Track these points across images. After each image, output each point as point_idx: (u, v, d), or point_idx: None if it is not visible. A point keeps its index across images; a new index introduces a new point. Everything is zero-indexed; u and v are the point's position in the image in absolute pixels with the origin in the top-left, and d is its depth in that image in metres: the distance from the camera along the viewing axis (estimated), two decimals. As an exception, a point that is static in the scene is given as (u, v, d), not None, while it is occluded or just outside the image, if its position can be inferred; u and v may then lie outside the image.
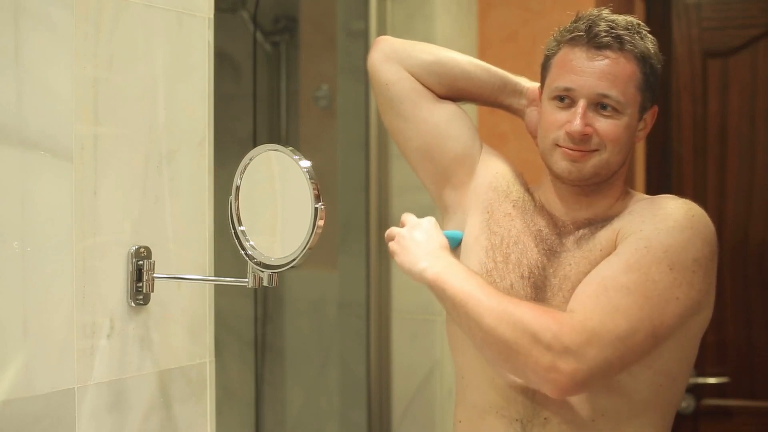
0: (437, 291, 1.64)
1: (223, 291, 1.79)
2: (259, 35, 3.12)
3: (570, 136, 1.70)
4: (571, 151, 1.71)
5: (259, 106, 3.06)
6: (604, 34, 1.69)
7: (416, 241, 1.69)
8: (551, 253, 1.75)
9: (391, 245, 1.72)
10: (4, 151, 1.35)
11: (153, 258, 1.56)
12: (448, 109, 1.87)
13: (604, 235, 1.71)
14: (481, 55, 3.09)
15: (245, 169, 1.50)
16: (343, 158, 3.04)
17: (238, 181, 1.50)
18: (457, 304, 1.61)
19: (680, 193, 3.22)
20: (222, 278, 1.60)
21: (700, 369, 3.15)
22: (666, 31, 3.19)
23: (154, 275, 1.56)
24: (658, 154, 3.27)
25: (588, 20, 1.72)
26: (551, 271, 1.74)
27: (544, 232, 1.77)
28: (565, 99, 1.71)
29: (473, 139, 1.88)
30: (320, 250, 1.46)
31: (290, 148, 1.46)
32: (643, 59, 1.71)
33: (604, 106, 1.69)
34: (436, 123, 1.86)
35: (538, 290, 1.73)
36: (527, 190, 1.84)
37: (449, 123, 1.87)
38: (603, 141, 1.70)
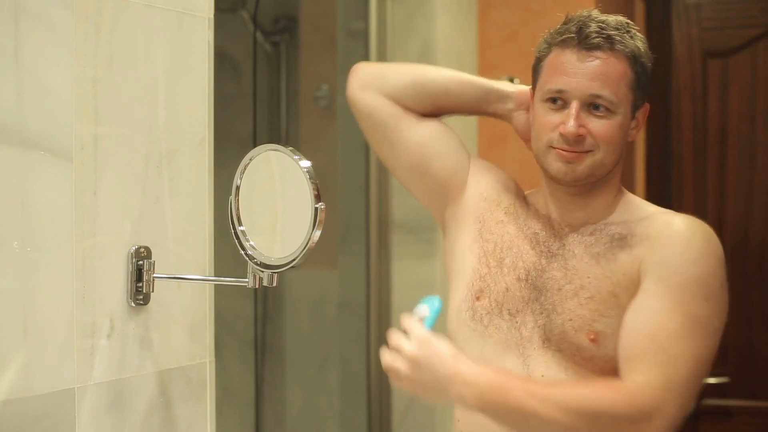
0: (487, 413, 1.63)
1: (223, 291, 1.79)
2: (259, 35, 3.12)
3: (564, 137, 1.70)
4: (565, 153, 1.71)
5: (259, 106, 3.06)
6: (594, 35, 1.70)
7: (432, 367, 1.61)
8: (549, 254, 1.75)
9: (403, 374, 1.62)
10: (4, 151, 1.35)
11: (153, 258, 1.56)
12: (431, 127, 1.87)
13: (616, 244, 1.72)
14: (481, 55, 3.10)
15: (245, 169, 1.50)
16: (343, 158, 3.04)
17: (238, 181, 1.50)
18: (518, 420, 1.62)
19: (680, 192, 3.23)
20: (222, 278, 1.60)
21: (700, 369, 3.15)
22: (666, 31, 3.19)
23: (154, 275, 1.56)
24: (658, 154, 3.27)
25: (578, 22, 1.72)
26: (551, 272, 1.74)
27: (540, 235, 1.78)
28: (557, 101, 1.71)
29: (460, 153, 1.88)
30: (320, 250, 1.46)
31: (290, 148, 1.46)
32: (633, 58, 1.71)
33: (597, 107, 1.70)
34: (420, 143, 1.86)
35: (538, 291, 1.73)
36: (519, 196, 1.85)
37: (433, 141, 1.87)
38: (597, 141, 1.70)
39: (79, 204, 1.46)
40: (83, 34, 1.46)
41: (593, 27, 1.70)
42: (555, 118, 1.71)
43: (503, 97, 1.89)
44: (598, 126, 1.70)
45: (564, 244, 1.76)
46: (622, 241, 1.72)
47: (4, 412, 1.35)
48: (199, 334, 1.67)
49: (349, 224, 2.99)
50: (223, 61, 2.97)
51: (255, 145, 1.51)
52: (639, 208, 1.79)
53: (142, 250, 1.55)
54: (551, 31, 1.76)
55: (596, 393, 1.62)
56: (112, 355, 1.51)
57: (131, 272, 1.54)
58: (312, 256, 1.44)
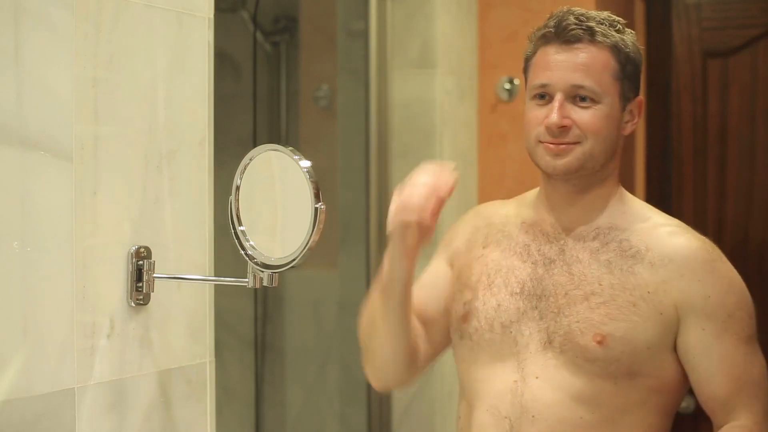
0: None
1: (223, 291, 1.79)
2: (259, 35, 3.12)
3: (549, 129, 1.71)
4: (552, 146, 1.72)
5: (259, 106, 3.06)
6: (573, 27, 1.72)
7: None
8: (547, 261, 1.76)
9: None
10: (4, 151, 1.35)
11: (153, 258, 1.56)
12: (417, 305, 1.83)
13: (629, 255, 1.74)
14: (481, 55, 3.10)
15: (245, 169, 1.50)
16: (343, 158, 3.04)
17: (238, 181, 1.50)
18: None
19: (680, 192, 3.22)
20: (222, 278, 1.60)
21: (700, 369, 3.15)
22: (666, 31, 3.19)
23: (154, 275, 1.56)
24: (658, 154, 3.27)
25: (557, 17, 1.75)
26: (552, 278, 1.74)
27: (531, 247, 1.78)
28: (544, 96, 1.73)
29: (437, 279, 1.86)
30: (320, 250, 1.46)
31: (290, 148, 1.46)
32: (616, 49, 1.73)
33: (582, 98, 1.71)
34: (421, 319, 1.85)
35: (537, 298, 1.74)
36: (494, 224, 1.84)
37: (422, 308, 1.84)
38: (583, 132, 1.71)
39: (79, 204, 1.46)
40: (83, 34, 1.46)
41: (571, 20, 1.73)
42: (541, 112, 1.73)
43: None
44: (584, 116, 1.71)
45: (563, 250, 1.76)
46: (636, 254, 1.73)
47: (4, 412, 1.35)
48: (199, 334, 1.67)
49: (349, 224, 2.99)
50: (223, 61, 2.97)
51: (255, 145, 1.51)
52: (638, 212, 1.79)
53: (142, 250, 1.55)
54: (534, 31, 1.78)
55: None
56: (112, 355, 1.51)
57: (131, 272, 1.54)
58: (312, 256, 1.44)
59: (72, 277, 1.45)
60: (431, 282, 1.85)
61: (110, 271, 1.51)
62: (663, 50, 3.17)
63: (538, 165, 1.75)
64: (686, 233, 1.77)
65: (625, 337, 1.68)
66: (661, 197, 3.18)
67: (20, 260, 1.37)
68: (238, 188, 1.50)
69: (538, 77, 1.74)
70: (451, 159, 2.74)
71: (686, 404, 3.14)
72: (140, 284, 1.55)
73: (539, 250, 1.77)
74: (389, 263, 1.71)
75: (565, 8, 1.76)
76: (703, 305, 1.71)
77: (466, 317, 1.78)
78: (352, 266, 3.00)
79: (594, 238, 1.75)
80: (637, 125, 1.81)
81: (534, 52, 1.76)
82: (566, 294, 1.72)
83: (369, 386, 2.99)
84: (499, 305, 1.75)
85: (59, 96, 1.43)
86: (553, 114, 1.70)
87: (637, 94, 1.78)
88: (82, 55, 1.46)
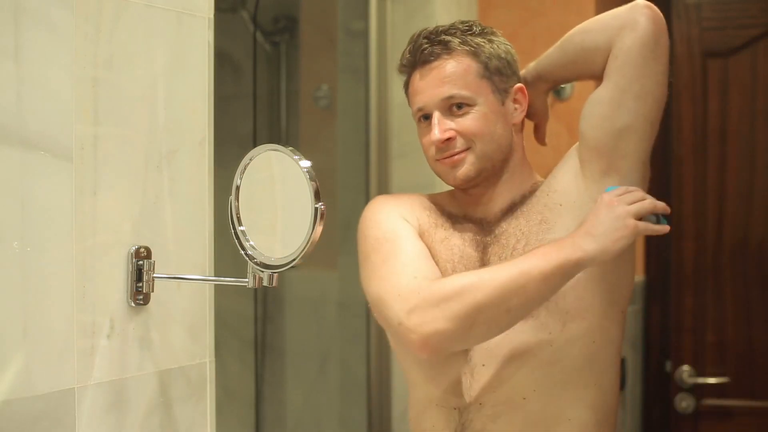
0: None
1: (223, 291, 1.79)
2: (259, 35, 3.12)
3: (437, 147, 1.78)
4: (445, 160, 1.79)
5: (259, 106, 3.06)
6: (425, 47, 1.79)
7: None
8: (487, 245, 1.82)
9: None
10: (4, 151, 1.35)
11: (153, 258, 1.56)
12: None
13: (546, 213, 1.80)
14: (481, 55, 3.09)
15: (245, 169, 1.49)
16: (343, 158, 3.04)
17: (238, 181, 1.50)
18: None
19: (680, 192, 3.22)
20: (222, 278, 1.60)
21: (700, 369, 3.15)
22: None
23: (154, 275, 1.56)
24: (658, 154, 3.27)
25: (411, 42, 1.82)
26: (489, 256, 1.81)
27: (476, 237, 1.84)
28: (428, 117, 1.80)
29: (426, 250, 1.84)
30: (320, 250, 1.46)
31: (290, 148, 1.46)
32: (473, 51, 1.78)
33: (458, 106, 1.77)
34: None
35: None
36: (436, 210, 1.87)
37: None
38: (468, 137, 1.78)
39: (79, 204, 1.46)
40: (83, 34, 1.46)
41: (423, 42, 1.79)
42: (428, 133, 1.79)
43: None
44: (463, 123, 1.77)
45: (495, 234, 1.80)
46: (545, 206, 1.81)
47: (4, 412, 1.35)
48: (199, 334, 1.67)
49: (349, 224, 2.99)
50: (223, 61, 2.97)
51: (255, 145, 1.51)
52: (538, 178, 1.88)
53: (142, 250, 1.55)
54: (399, 62, 1.85)
55: None
56: (112, 355, 1.51)
57: (131, 272, 1.54)
58: (312, 256, 1.43)
59: (72, 277, 1.45)
60: (426, 254, 1.83)
61: (110, 271, 1.51)
62: (663, 50, 3.16)
63: (445, 182, 1.83)
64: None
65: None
66: (661, 197, 3.18)
67: (20, 260, 1.37)
68: (238, 188, 1.50)
69: (414, 103, 1.81)
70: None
71: (686, 404, 3.15)
72: (140, 284, 1.55)
73: (481, 240, 1.82)
74: (601, 251, 1.67)
75: (417, 32, 1.83)
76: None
77: None
78: (352, 266, 2.98)
79: (517, 218, 1.81)
80: (526, 110, 1.85)
81: (407, 82, 1.84)
82: (499, 258, 1.79)
83: (369, 386, 3.00)
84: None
85: (59, 96, 1.43)
86: (434, 132, 1.77)
87: (515, 83, 1.82)
88: (82, 55, 1.46)
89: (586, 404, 1.77)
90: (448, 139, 1.77)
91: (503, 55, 1.81)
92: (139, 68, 1.56)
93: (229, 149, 1.92)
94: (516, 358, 1.75)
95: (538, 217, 1.79)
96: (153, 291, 1.56)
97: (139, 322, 1.56)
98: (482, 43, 1.78)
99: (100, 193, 1.49)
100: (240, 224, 1.49)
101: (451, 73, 1.77)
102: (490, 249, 1.81)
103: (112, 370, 1.51)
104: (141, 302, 1.55)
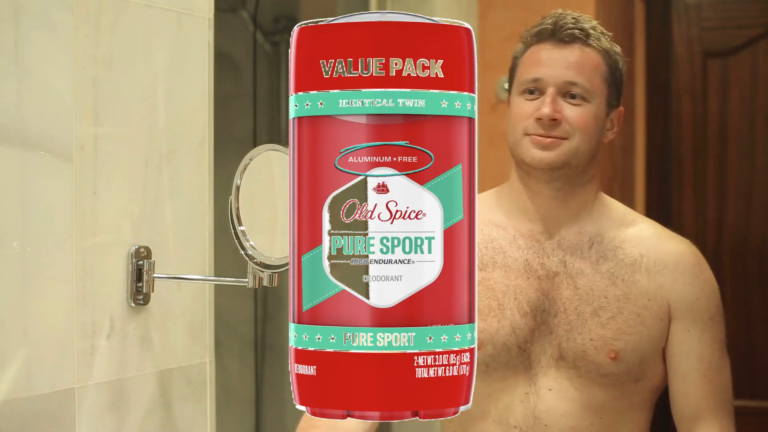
0: None
1: (223, 291, 1.79)
2: (259, 35, 3.12)
3: (540, 122, 1.73)
4: (540, 138, 1.74)
5: (259, 106, 3.06)
6: (570, 27, 1.76)
7: None
8: (551, 275, 1.77)
9: None
10: (4, 151, 1.35)
11: (153, 258, 1.56)
12: None
13: (629, 262, 1.77)
14: (481, 55, 3.09)
15: (245, 169, 1.49)
16: (343, 158, 3.03)
17: (238, 181, 1.50)
18: None
19: (680, 192, 3.22)
20: (222, 278, 1.60)
21: (700, 369, 3.15)
22: (666, 31, 3.19)
23: (154, 275, 1.56)
24: (658, 154, 3.27)
25: (553, 17, 1.79)
26: (557, 290, 1.77)
27: (533, 262, 1.78)
28: (534, 91, 1.75)
29: None
30: (320, 250, 1.46)
31: (290, 148, 1.46)
32: (607, 54, 1.78)
33: (572, 96, 1.74)
34: None
35: (546, 313, 1.77)
36: (480, 239, 1.77)
37: None
38: (572, 128, 1.74)
39: (79, 204, 1.46)
40: (83, 34, 1.46)
41: (569, 20, 1.77)
42: (531, 106, 1.75)
43: None
44: (574, 112, 1.74)
45: (564, 262, 1.77)
46: (634, 262, 1.77)
47: (4, 412, 1.35)
48: (199, 334, 1.67)
49: (349, 224, 2.99)
50: (223, 61, 2.97)
51: (255, 145, 1.51)
52: (623, 216, 1.83)
53: (142, 250, 1.55)
54: (526, 31, 1.81)
55: None
56: (112, 355, 1.51)
57: (131, 272, 1.54)
58: (312, 256, 1.43)
59: (72, 276, 1.45)
60: None
61: (110, 271, 1.51)
62: (663, 50, 3.17)
63: (521, 160, 1.76)
64: (673, 237, 1.82)
65: (636, 350, 1.74)
66: (661, 197, 3.18)
67: (20, 260, 1.37)
68: (238, 188, 1.50)
69: (529, 72, 1.76)
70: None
71: (686, 404, 3.15)
72: (140, 284, 1.55)
73: (541, 265, 1.77)
74: None
75: (560, 10, 1.79)
76: (691, 307, 1.77)
77: (480, 345, 1.77)
78: (352, 266, 2.99)
79: (590, 248, 1.77)
80: (616, 135, 1.85)
81: (524, 52, 1.79)
82: (576, 309, 1.74)
83: (369, 386, 2.99)
84: (513, 329, 1.75)
85: (59, 96, 1.43)
86: (545, 107, 1.72)
87: (619, 104, 1.82)
88: (82, 55, 1.46)
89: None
90: (555, 119, 1.73)
91: (623, 75, 1.82)
92: (139, 68, 1.56)
93: (229, 149, 1.92)
94: None
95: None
96: (153, 291, 1.56)
97: (139, 322, 1.56)
98: (615, 53, 1.79)
99: (100, 193, 1.49)
100: (240, 224, 1.49)
101: (582, 62, 1.75)
102: (557, 278, 1.80)
103: (112, 370, 1.51)
104: (141, 302, 1.55)
